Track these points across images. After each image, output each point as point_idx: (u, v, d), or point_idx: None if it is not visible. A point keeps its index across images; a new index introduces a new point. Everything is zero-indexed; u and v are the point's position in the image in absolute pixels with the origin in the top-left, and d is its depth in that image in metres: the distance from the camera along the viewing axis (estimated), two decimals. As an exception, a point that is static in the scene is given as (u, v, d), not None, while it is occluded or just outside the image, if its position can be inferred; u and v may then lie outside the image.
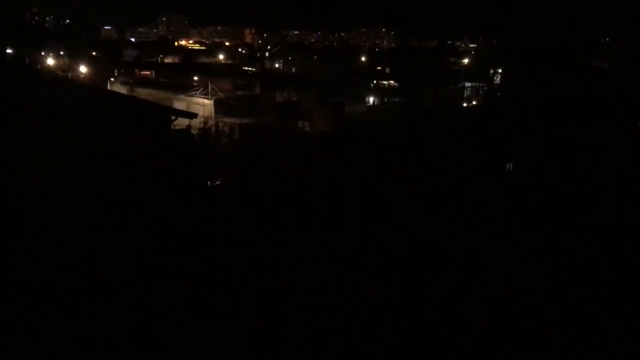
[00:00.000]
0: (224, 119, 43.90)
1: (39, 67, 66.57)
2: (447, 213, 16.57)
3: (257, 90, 62.05)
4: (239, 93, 57.97)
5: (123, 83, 61.27)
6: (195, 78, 63.42)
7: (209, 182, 22.64)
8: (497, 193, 19.14)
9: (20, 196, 12.74)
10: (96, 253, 12.63)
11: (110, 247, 12.90)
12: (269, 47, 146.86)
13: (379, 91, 67.31)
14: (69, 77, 56.02)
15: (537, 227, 15.53)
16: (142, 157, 14.94)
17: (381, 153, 24.15)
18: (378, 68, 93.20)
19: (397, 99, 56.78)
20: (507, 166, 24.92)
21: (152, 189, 14.94)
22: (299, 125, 46.85)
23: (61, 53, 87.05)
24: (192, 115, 18.62)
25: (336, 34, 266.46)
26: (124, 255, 12.78)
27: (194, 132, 30.41)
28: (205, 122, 33.84)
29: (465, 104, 57.55)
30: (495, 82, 51.49)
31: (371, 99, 62.02)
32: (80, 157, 13.89)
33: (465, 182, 19.82)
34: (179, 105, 46.09)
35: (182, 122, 21.32)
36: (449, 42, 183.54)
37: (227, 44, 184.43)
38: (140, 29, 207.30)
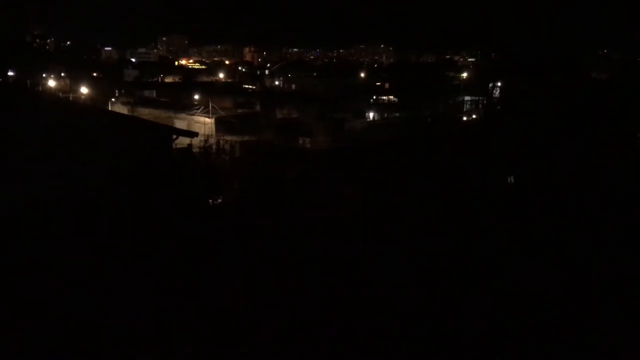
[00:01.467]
0: (225, 137, 44.03)
1: (40, 89, 66.91)
2: (452, 226, 16.57)
3: (258, 108, 62.27)
4: (240, 111, 58.16)
5: (124, 103, 61.52)
6: (196, 97, 63.73)
7: (210, 200, 22.66)
8: (499, 205, 19.15)
9: (23, 217, 12.76)
10: (99, 271, 12.64)
11: (113, 264, 12.91)
12: (268, 65, 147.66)
13: (378, 106, 67.54)
14: (71, 98, 56.30)
15: (541, 239, 15.52)
16: (145, 176, 14.99)
17: (382, 168, 24.16)
18: (377, 84, 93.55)
19: (397, 114, 56.96)
20: (509, 179, 24.87)
21: (154, 208, 14.96)
22: (300, 141, 46.97)
23: (62, 75, 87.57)
24: (193, 134, 18.70)
25: (335, 51, 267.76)
26: (127, 274, 12.78)
27: (195, 150, 30.47)
28: (206, 140, 33.96)
29: (465, 118, 57.65)
30: (494, 95, 51.66)
31: (371, 115, 62.21)
32: (82, 178, 13.93)
33: (468, 195, 19.83)
34: (180, 124, 46.26)
35: (183, 141, 21.38)
36: (447, 56, 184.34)
37: (227, 62, 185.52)
38: (140, 50, 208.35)
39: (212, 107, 51.07)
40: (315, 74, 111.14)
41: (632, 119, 25.27)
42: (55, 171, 13.49)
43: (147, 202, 14.89)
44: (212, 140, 38.25)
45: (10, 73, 77.18)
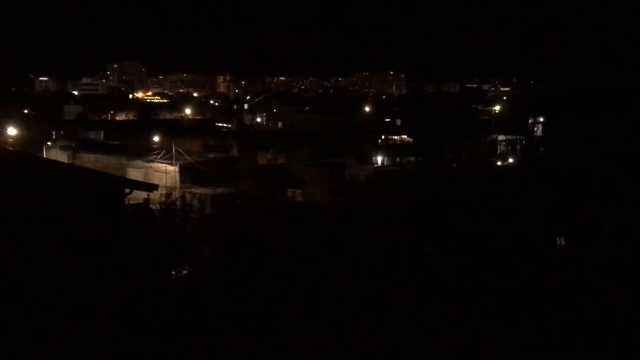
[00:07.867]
0: (193, 190, 44.05)
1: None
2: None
3: (235, 152, 62.60)
4: (212, 156, 58.45)
5: (63, 148, 61.71)
6: (156, 139, 64.02)
7: (173, 272, 22.47)
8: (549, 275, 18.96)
9: None
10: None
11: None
12: (248, 97, 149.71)
13: (388, 149, 68.02)
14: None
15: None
16: (87, 242, 14.76)
17: (394, 230, 24.04)
18: (387, 120, 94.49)
19: (412, 159, 57.23)
20: (558, 240, 24.79)
21: (100, 284, 14.70)
22: (289, 194, 46.98)
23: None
24: (151, 187, 18.68)
25: (332, 80, 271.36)
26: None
27: (154, 207, 30.38)
28: (168, 194, 33.91)
29: (499, 162, 57.97)
30: (536, 134, 52.09)
31: (379, 159, 62.57)
32: (5, 245, 13.73)
33: (507, 262, 19.66)
34: (135, 174, 46.34)
35: (139, 196, 21.29)
36: (474, 85, 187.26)
37: (195, 95, 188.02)
38: (85, 80, 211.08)
39: (176, 151, 51.24)
40: (307, 108, 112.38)
41: None
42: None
43: (91, 275, 14.62)
44: (176, 194, 38.20)
45: None
